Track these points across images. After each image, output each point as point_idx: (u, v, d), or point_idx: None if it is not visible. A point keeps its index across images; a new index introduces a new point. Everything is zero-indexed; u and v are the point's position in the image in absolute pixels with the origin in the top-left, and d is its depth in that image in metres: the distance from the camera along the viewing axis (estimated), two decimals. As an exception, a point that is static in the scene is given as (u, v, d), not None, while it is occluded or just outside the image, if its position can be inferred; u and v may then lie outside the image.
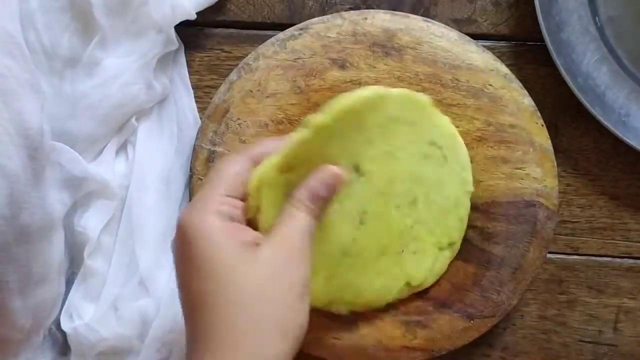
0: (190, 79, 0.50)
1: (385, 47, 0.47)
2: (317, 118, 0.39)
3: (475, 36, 0.48)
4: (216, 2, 0.49)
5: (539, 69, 0.49)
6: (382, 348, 0.47)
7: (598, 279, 0.50)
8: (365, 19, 0.48)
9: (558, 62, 0.46)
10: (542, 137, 0.47)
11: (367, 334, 0.47)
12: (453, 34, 0.47)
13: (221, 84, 0.48)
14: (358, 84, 0.47)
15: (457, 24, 0.49)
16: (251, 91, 0.48)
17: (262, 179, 0.39)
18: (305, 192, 0.38)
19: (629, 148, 0.47)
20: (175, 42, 0.48)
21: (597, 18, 0.48)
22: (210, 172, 0.40)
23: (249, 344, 0.34)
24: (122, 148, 0.49)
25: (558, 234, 0.50)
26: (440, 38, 0.47)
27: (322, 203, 0.38)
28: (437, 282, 0.47)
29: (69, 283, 0.48)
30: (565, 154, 0.50)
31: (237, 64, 0.48)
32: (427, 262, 0.45)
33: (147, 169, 0.48)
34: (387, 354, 0.47)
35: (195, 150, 0.48)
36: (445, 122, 0.45)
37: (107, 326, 0.46)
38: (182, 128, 0.50)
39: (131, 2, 0.46)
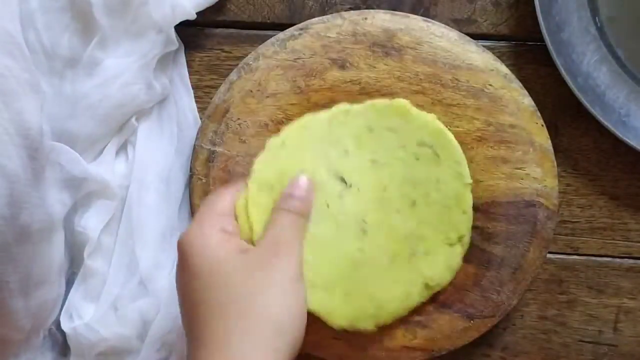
0: (190, 79, 0.50)
1: (385, 47, 0.47)
2: (273, 139, 0.45)
3: (475, 36, 0.48)
4: (216, 2, 0.49)
5: (539, 69, 0.49)
6: (382, 348, 0.47)
7: (598, 279, 0.50)
8: (365, 19, 0.48)
9: (558, 62, 0.46)
10: (542, 137, 0.47)
11: (367, 334, 0.47)
12: (453, 34, 0.47)
13: (221, 84, 0.48)
14: (358, 84, 0.47)
15: (457, 24, 0.49)
16: (251, 91, 0.48)
17: (247, 199, 0.44)
18: (282, 197, 0.42)
19: (629, 148, 0.47)
20: (175, 42, 0.48)
21: (597, 18, 0.48)
22: (202, 203, 0.44)
23: (245, 341, 0.36)
24: (122, 148, 0.49)
25: (558, 234, 0.50)
26: (440, 38, 0.47)
27: (301, 202, 0.42)
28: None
29: (69, 283, 0.48)
30: (565, 154, 0.50)
31: (237, 64, 0.48)
32: (441, 261, 0.45)
33: (147, 169, 0.48)
34: (387, 354, 0.47)
35: (195, 150, 0.48)
36: (430, 119, 0.45)
37: (107, 326, 0.46)
38: (182, 128, 0.50)
39: (131, 2, 0.46)
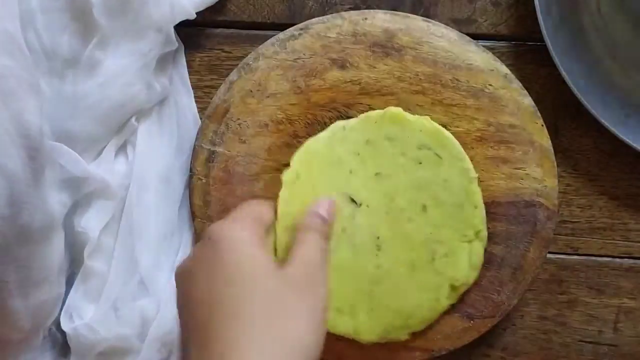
0: (190, 79, 0.50)
1: (385, 47, 0.47)
2: (287, 174, 0.45)
3: (475, 36, 0.48)
4: (216, 2, 0.49)
5: (539, 69, 0.49)
6: (382, 348, 0.47)
7: (598, 279, 0.50)
8: (365, 19, 0.48)
9: (558, 62, 0.46)
10: (542, 137, 0.47)
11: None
12: (453, 34, 0.47)
13: (221, 84, 0.48)
14: (358, 84, 0.47)
15: (457, 24, 0.49)
16: (251, 91, 0.48)
17: (275, 244, 0.44)
18: (308, 217, 0.41)
19: (629, 148, 0.47)
20: (175, 42, 0.48)
21: (597, 18, 0.48)
22: (240, 206, 0.41)
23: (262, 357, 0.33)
24: (122, 148, 0.49)
25: (558, 234, 0.50)
26: (440, 38, 0.47)
27: (324, 223, 0.41)
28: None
29: (69, 283, 0.48)
30: (565, 154, 0.50)
31: (237, 64, 0.48)
32: (463, 259, 0.45)
33: (147, 169, 0.48)
34: (387, 354, 0.47)
35: (195, 150, 0.48)
36: (426, 122, 0.46)
37: (107, 326, 0.46)
38: (182, 128, 0.50)
39: (131, 2, 0.46)
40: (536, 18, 0.46)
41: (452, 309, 0.47)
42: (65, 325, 0.47)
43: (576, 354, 0.51)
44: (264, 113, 0.48)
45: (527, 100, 0.47)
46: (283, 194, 0.45)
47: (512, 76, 0.47)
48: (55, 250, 0.45)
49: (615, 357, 0.50)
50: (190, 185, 0.49)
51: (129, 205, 0.48)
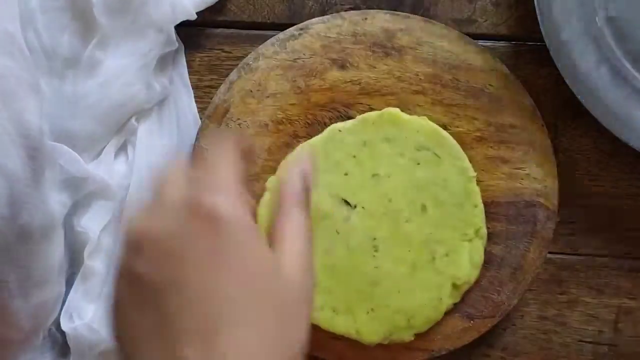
0: (190, 79, 0.50)
1: (385, 47, 0.47)
2: (271, 180, 0.45)
3: (475, 36, 0.48)
4: (216, 2, 0.49)
5: (539, 69, 0.49)
6: (382, 348, 0.47)
7: (598, 279, 0.50)
8: (365, 19, 0.48)
9: (558, 62, 0.46)
10: (542, 137, 0.47)
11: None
12: (453, 34, 0.47)
13: (221, 84, 0.48)
14: (358, 84, 0.47)
15: (457, 24, 0.49)
16: (251, 91, 0.48)
17: None
18: (290, 191, 0.35)
19: (629, 148, 0.47)
20: (175, 42, 0.48)
21: (597, 18, 0.48)
22: (211, 154, 0.34)
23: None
24: (122, 148, 0.49)
25: (558, 234, 0.50)
26: (440, 38, 0.47)
27: (307, 193, 0.35)
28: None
29: (69, 283, 0.48)
30: (565, 154, 0.50)
31: (237, 64, 0.48)
32: (464, 258, 0.46)
33: (147, 169, 0.48)
34: (387, 354, 0.47)
35: (195, 150, 0.48)
36: (423, 122, 0.46)
37: (107, 326, 0.46)
38: (182, 128, 0.50)
39: (131, 2, 0.46)
40: (536, 18, 0.46)
41: (452, 308, 0.47)
42: (65, 325, 0.47)
43: (576, 354, 0.51)
44: (264, 113, 0.48)
45: (527, 100, 0.47)
46: (265, 199, 0.45)
47: (512, 76, 0.47)
48: (55, 250, 0.45)
49: (615, 357, 0.50)
50: (190, 185, 0.49)
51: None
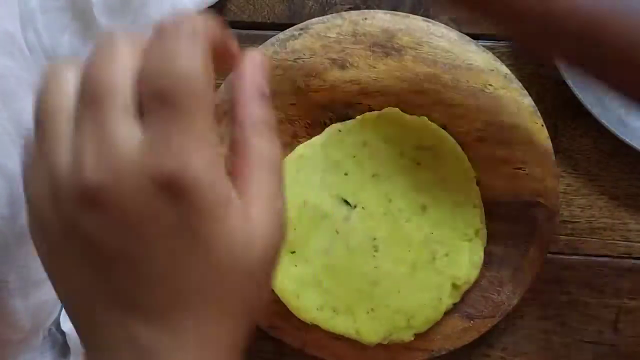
0: (190, 79, 0.50)
1: (385, 47, 0.47)
2: None
3: (475, 36, 0.48)
4: (216, 2, 0.49)
5: (539, 69, 0.49)
6: (382, 348, 0.47)
7: (598, 279, 0.50)
8: (365, 19, 0.48)
9: (558, 62, 0.46)
10: (542, 137, 0.47)
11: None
12: (453, 34, 0.47)
13: (221, 84, 0.48)
14: (358, 84, 0.47)
15: (457, 24, 0.49)
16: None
17: None
18: (255, 110, 0.28)
19: (629, 148, 0.47)
20: (175, 42, 0.48)
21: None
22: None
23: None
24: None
25: (558, 234, 0.50)
26: (440, 38, 0.47)
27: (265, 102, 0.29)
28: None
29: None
30: (565, 154, 0.50)
31: (237, 64, 0.48)
32: (464, 258, 0.46)
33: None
34: (387, 354, 0.47)
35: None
36: (423, 122, 0.46)
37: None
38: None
39: (131, 2, 0.46)
40: (536, 18, 0.46)
41: (452, 308, 0.47)
42: (65, 325, 0.47)
43: (576, 354, 0.51)
44: (264, 113, 0.48)
45: (527, 100, 0.47)
46: None
47: (512, 76, 0.47)
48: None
49: (615, 357, 0.50)
50: (190, 185, 0.49)
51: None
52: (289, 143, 0.48)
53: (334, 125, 0.46)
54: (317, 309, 0.45)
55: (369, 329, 0.45)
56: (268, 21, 0.50)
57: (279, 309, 0.47)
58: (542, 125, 0.47)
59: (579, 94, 0.46)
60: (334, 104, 0.47)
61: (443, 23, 0.48)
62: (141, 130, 0.24)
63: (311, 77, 0.48)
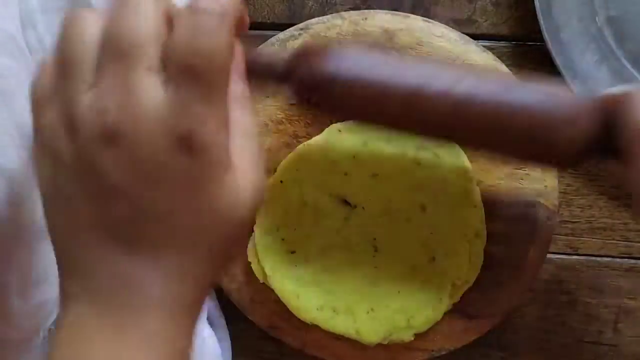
0: (190, 79, 0.50)
1: (385, 47, 0.47)
2: (269, 179, 0.45)
3: (475, 36, 0.48)
4: (216, 2, 0.49)
5: (539, 69, 0.49)
6: (382, 348, 0.47)
7: (598, 279, 0.50)
8: (365, 19, 0.48)
9: (558, 62, 0.46)
10: (542, 137, 0.47)
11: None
12: (453, 34, 0.47)
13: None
14: (358, 84, 0.47)
15: (457, 24, 0.49)
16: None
17: (259, 244, 0.45)
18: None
19: (629, 148, 0.47)
20: (175, 42, 0.48)
21: (597, 18, 0.48)
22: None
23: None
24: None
25: (558, 234, 0.50)
26: (441, 38, 0.47)
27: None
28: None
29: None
30: (565, 154, 0.50)
31: (237, 64, 0.48)
32: (464, 258, 0.46)
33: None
34: (387, 354, 0.47)
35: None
36: None
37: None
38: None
39: (131, 2, 0.46)
40: (536, 18, 0.46)
41: (452, 308, 0.47)
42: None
43: (576, 354, 0.51)
44: (264, 113, 0.48)
45: (527, 100, 0.47)
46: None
47: (512, 76, 0.47)
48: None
49: (615, 357, 0.50)
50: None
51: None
52: (289, 143, 0.48)
53: (334, 125, 0.46)
54: (317, 309, 0.45)
55: (369, 329, 0.45)
56: (268, 21, 0.50)
57: (279, 309, 0.47)
58: (542, 125, 0.47)
59: (579, 94, 0.46)
60: (334, 104, 0.47)
61: (443, 23, 0.48)
62: (163, 89, 0.26)
63: (311, 77, 0.48)
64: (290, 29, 0.48)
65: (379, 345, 0.46)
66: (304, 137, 0.47)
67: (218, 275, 0.31)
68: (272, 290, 0.46)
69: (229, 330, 0.50)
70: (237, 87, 0.30)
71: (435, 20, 0.48)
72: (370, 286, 0.45)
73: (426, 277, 0.45)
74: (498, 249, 0.47)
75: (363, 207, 0.45)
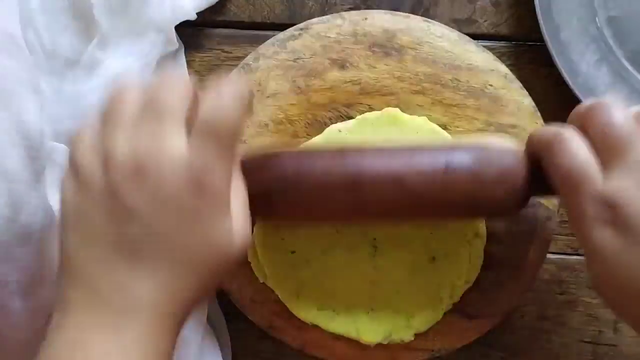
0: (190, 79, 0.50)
1: (385, 47, 0.47)
2: None
3: (475, 36, 0.48)
4: (216, 2, 0.49)
5: (539, 69, 0.49)
6: (382, 348, 0.47)
7: (598, 279, 0.50)
8: (365, 19, 0.48)
9: (558, 62, 0.46)
10: (542, 137, 0.47)
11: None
12: (453, 34, 0.47)
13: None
14: (358, 84, 0.47)
15: (457, 24, 0.49)
16: (251, 91, 0.48)
17: (259, 245, 0.45)
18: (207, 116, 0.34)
19: (629, 148, 0.47)
20: (175, 43, 0.48)
21: (597, 18, 0.48)
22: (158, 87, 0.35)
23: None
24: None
25: (558, 234, 0.50)
26: (441, 38, 0.47)
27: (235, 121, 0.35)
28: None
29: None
30: (565, 154, 0.50)
31: (237, 64, 0.48)
32: (464, 259, 0.46)
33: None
34: (387, 354, 0.47)
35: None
36: (423, 122, 0.46)
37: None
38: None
39: (131, 2, 0.46)
40: (536, 18, 0.46)
41: (452, 308, 0.47)
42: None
43: (576, 354, 0.51)
44: (264, 113, 0.48)
45: (527, 100, 0.47)
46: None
47: (512, 76, 0.47)
48: (56, 250, 0.45)
49: (615, 357, 0.50)
50: (190, 185, 0.49)
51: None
52: (289, 143, 0.48)
53: (334, 125, 0.46)
54: (317, 309, 0.45)
55: (369, 329, 0.45)
56: (268, 21, 0.50)
57: (279, 309, 0.47)
58: (542, 125, 0.47)
59: (578, 94, 0.46)
60: (334, 104, 0.47)
61: (443, 23, 0.48)
62: (186, 141, 0.33)
63: (311, 77, 0.48)
64: (290, 29, 0.48)
65: (379, 345, 0.46)
66: (304, 137, 0.47)
67: (204, 294, 0.36)
68: (272, 290, 0.46)
69: (229, 330, 0.50)
70: (237, 157, 0.37)
71: (435, 20, 0.48)
72: (370, 286, 0.45)
73: (426, 277, 0.45)
74: (498, 249, 0.47)
75: None
